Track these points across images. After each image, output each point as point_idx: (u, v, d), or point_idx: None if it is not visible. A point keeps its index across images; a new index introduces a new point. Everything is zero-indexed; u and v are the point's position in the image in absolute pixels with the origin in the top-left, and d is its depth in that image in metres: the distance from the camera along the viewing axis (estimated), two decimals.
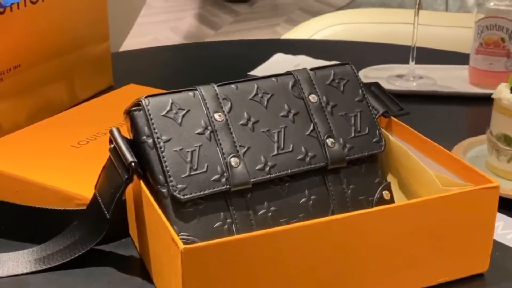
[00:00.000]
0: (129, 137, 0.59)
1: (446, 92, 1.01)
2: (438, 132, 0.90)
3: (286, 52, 1.21)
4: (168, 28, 4.17)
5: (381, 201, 0.64)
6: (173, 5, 4.70)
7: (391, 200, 0.65)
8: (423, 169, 0.63)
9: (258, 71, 1.11)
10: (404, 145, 0.67)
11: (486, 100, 0.98)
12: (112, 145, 0.59)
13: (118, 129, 0.59)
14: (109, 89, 1.03)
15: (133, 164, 0.56)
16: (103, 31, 1.01)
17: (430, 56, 1.17)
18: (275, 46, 1.26)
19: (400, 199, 0.67)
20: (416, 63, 1.05)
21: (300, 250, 0.53)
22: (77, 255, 0.61)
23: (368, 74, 1.07)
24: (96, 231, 0.60)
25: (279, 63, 1.15)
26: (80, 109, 0.85)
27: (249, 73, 1.10)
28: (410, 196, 0.67)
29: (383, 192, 0.64)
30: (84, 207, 0.62)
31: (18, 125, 0.84)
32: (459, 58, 1.13)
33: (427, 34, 1.37)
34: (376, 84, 0.74)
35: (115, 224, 0.61)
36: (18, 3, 0.82)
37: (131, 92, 0.90)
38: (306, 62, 1.15)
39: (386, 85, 1.02)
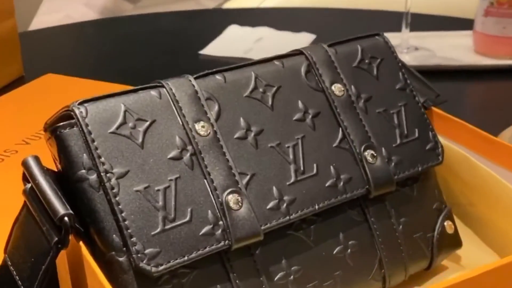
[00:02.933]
0: (56, 169, 0.36)
1: (450, 65, 0.81)
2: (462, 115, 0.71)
3: (242, 23, 0.98)
4: (82, 3, 3.83)
5: (444, 237, 0.43)
6: None
7: (455, 234, 0.44)
8: (499, 183, 0.43)
9: (212, 49, 0.88)
10: (458, 147, 0.47)
11: (499, 73, 0.80)
12: (29, 185, 0.35)
13: (37, 158, 0.35)
14: (19, 81, 0.78)
15: (66, 218, 0.33)
16: (7, 4, 0.76)
17: (423, 23, 0.97)
18: (226, 17, 1.04)
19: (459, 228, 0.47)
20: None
21: None
22: None
23: None
24: None
25: (235, 37, 0.93)
26: None
27: (200, 52, 0.87)
28: (473, 221, 0.47)
29: (445, 223, 0.44)
30: None
31: None
32: (458, 24, 0.94)
33: None
34: (401, 63, 0.53)
35: None
36: None
37: (50, 85, 0.66)
38: (269, 34, 0.93)
39: None
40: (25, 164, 0.35)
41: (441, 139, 0.47)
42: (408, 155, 0.42)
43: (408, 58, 0.83)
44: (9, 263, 0.37)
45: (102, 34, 1.03)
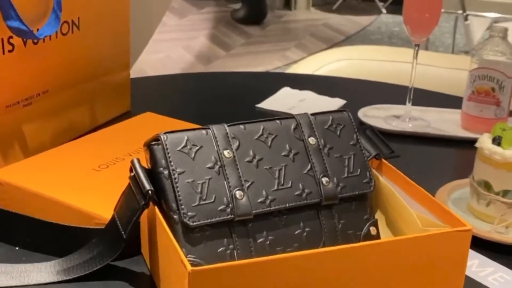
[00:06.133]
0: (147, 167, 0.67)
1: (438, 134, 1.08)
2: (428, 172, 0.98)
3: (293, 86, 1.29)
4: (181, 46, 4.27)
5: (368, 236, 0.71)
6: (187, 24, 4.80)
7: (377, 236, 0.72)
8: (407, 209, 0.70)
9: (266, 104, 1.19)
10: (392, 186, 0.75)
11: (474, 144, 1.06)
12: (132, 174, 0.66)
13: (139, 160, 0.67)
14: (127, 113, 1.11)
15: (150, 192, 0.64)
16: (125, 61, 1.10)
17: (426, 97, 1.25)
18: (282, 80, 1.35)
19: (386, 234, 0.74)
20: (413, 104, 1.13)
21: (292, 277, 0.60)
22: (94, 269, 0.68)
23: (367, 113, 1.15)
24: (113, 249, 0.68)
25: (285, 97, 1.23)
26: (101, 134, 0.93)
27: (257, 105, 1.18)
28: (395, 232, 0.74)
29: (370, 228, 0.71)
30: (102, 226, 0.70)
31: (43, 145, 0.92)
32: (453, 101, 1.21)
33: (427, 74, 1.45)
34: (371, 128, 0.82)
35: (130, 242, 0.69)
36: (50, 35, 0.91)
37: (148, 120, 0.98)
38: (310, 97, 1.23)
39: (383, 125, 1.10)
40: (132, 162, 0.67)
41: (382, 179, 0.76)
42: (351, 183, 0.71)
43: (408, 126, 1.11)
44: (116, 216, 0.68)
45: (190, 84, 1.36)
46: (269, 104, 1.19)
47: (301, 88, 1.28)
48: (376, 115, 1.14)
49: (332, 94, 1.24)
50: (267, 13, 4.82)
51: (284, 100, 1.21)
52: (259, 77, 1.40)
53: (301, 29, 4.73)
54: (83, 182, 0.78)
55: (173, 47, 4.24)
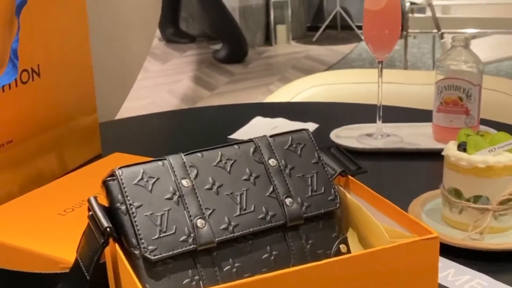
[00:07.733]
0: (106, 205, 0.66)
1: (411, 148, 1.08)
2: (403, 186, 0.98)
3: (265, 115, 1.29)
4: (166, 91, 4.29)
5: (338, 254, 0.70)
6: (170, 69, 4.83)
7: (348, 253, 0.71)
8: (374, 223, 0.69)
9: (238, 135, 1.18)
10: (360, 201, 0.74)
11: None
12: (90, 213, 0.65)
13: (96, 198, 0.65)
14: (98, 157, 1.10)
15: (108, 229, 0.63)
16: (91, 104, 1.09)
17: (399, 114, 1.25)
18: (255, 110, 1.34)
19: (358, 251, 0.73)
20: (386, 121, 1.13)
21: None
22: None
23: (339, 134, 1.14)
24: None
25: (257, 126, 1.23)
26: (68, 178, 0.92)
27: (229, 136, 1.17)
28: (367, 248, 0.73)
29: (340, 246, 0.70)
30: (67, 270, 0.68)
31: (12, 195, 0.90)
32: (426, 115, 1.20)
33: (400, 92, 1.45)
34: (336, 146, 0.81)
35: (96, 284, 0.67)
36: (9, 84, 0.90)
37: (116, 160, 0.97)
38: (283, 124, 1.23)
39: (356, 144, 1.09)
40: (89, 200, 0.66)
41: (350, 195, 0.74)
42: (315, 202, 0.70)
43: (381, 142, 1.11)
44: (78, 257, 0.67)
45: (162, 123, 1.35)
46: (240, 134, 1.18)
47: (273, 116, 1.27)
48: (349, 135, 1.13)
49: (305, 119, 1.24)
50: (248, 51, 4.85)
51: (256, 129, 1.21)
52: (231, 109, 1.39)
53: (283, 63, 4.77)
54: (47, 227, 0.77)
55: (157, 92, 4.26)
